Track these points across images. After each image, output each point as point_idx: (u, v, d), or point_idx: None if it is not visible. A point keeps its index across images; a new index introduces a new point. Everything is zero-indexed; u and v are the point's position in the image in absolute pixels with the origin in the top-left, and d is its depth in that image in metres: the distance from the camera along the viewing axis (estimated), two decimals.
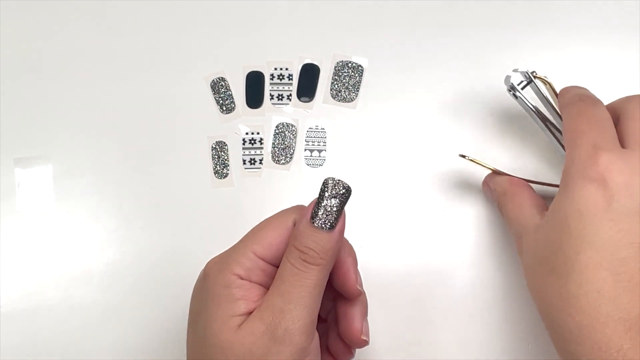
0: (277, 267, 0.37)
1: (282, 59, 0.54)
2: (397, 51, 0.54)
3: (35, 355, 0.48)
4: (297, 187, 0.51)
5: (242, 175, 0.52)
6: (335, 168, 0.52)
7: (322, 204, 0.36)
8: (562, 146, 0.49)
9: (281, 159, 0.52)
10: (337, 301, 0.40)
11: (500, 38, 0.54)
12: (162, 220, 0.51)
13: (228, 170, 0.52)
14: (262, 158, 0.52)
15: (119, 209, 0.51)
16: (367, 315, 0.40)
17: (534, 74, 0.50)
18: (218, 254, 0.38)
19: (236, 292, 0.36)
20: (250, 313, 0.35)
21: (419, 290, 0.49)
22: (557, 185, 0.49)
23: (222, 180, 0.52)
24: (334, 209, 0.36)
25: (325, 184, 0.36)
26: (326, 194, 0.36)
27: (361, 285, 0.39)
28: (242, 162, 0.52)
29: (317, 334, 0.36)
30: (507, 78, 0.50)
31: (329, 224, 0.36)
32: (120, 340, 0.48)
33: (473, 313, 0.48)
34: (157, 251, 0.50)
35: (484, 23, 0.55)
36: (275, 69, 0.54)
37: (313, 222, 0.36)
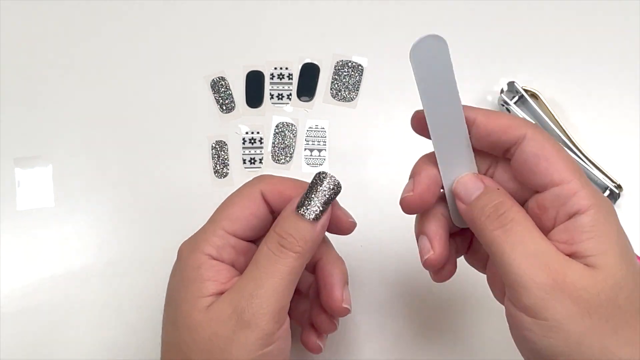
0: (249, 241, 0.37)
1: (282, 58, 0.54)
2: (397, 51, 0.54)
3: (35, 355, 0.48)
4: None
5: (242, 175, 0.52)
6: (335, 167, 0.52)
7: (310, 195, 0.36)
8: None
9: (281, 159, 0.52)
10: (317, 272, 0.40)
11: (500, 39, 0.54)
12: (162, 220, 0.51)
13: (228, 169, 0.52)
14: (262, 157, 0.52)
15: (119, 209, 0.51)
16: (347, 284, 0.40)
17: (524, 87, 0.51)
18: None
19: (205, 272, 0.36)
20: (220, 294, 0.35)
21: (419, 290, 0.49)
22: None
23: (222, 179, 0.52)
24: (321, 201, 0.36)
25: (316, 177, 0.37)
26: (315, 187, 0.36)
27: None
28: (242, 162, 0.52)
29: (288, 319, 0.36)
30: (500, 98, 0.51)
31: (313, 214, 0.36)
32: (120, 340, 0.48)
33: (473, 313, 0.48)
34: (157, 251, 0.50)
35: (484, 24, 0.55)
36: (275, 68, 0.54)
37: (298, 211, 0.36)
